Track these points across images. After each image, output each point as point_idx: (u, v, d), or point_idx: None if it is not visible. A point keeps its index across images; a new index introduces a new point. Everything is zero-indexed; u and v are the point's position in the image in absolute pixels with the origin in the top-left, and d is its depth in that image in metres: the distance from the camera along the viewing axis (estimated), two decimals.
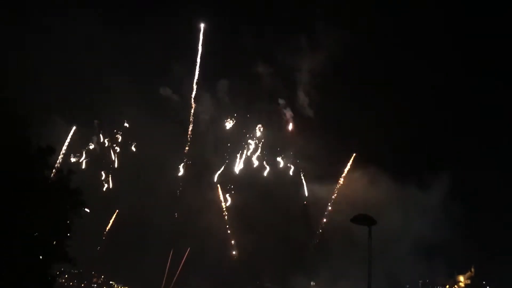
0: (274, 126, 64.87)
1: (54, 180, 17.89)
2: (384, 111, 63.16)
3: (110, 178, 66.80)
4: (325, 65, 59.42)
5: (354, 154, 63.82)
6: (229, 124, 64.36)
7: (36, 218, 18.24)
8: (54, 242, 19.07)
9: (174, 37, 61.93)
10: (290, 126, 64.84)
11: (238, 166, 64.76)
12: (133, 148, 66.59)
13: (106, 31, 55.41)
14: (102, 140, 67.07)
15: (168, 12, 60.84)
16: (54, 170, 18.42)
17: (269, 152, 63.58)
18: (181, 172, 65.34)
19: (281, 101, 64.34)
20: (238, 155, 64.56)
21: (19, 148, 16.99)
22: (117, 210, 65.44)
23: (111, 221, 66.29)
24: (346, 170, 64.12)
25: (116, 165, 67.23)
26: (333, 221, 59.88)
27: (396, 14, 56.66)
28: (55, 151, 18.11)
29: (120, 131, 65.81)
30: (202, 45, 64.61)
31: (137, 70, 60.41)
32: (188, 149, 65.45)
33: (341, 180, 63.18)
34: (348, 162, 64.23)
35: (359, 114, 60.31)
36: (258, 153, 64.20)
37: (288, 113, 64.55)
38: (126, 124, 66.03)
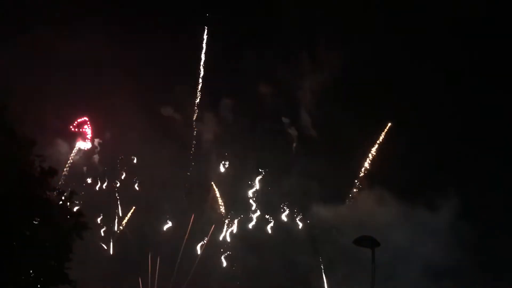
0: (278, 146, 65.06)
1: (56, 202, 18.27)
2: (390, 129, 63.34)
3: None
4: (327, 83, 59.77)
5: (362, 174, 63.85)
6: (223, 167, 64.94)
7: (36, 240, 18.59)
8: (55, 264, 19.33)
9: (175, 55, 62.73)
10: (294, 146, 65.06)
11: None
12: (136, 187, 66.80)
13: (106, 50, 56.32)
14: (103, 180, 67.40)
15: (167, 30, 61.80)
16: (56, 192, 18.80)
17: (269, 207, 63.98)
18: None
19: (285, 120, 64.62)
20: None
21: (22, 170, 17.46)
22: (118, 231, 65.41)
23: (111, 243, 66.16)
24: (354, 190, 64.22)
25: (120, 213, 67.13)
26: (339, 243, 59.48)
27: (401, 32, 57.38)
28: (57, 172, 18.54)
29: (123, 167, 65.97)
30: (203, 64, 65.45)
31: (138, 89, 60.95)
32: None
33: (348, 201, 63.08)
34: (355, 182, 64.19)
35: (364, 132, 60.41)
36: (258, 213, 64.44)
37: (293, 132, 64.93)
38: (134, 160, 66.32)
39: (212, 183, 65.60)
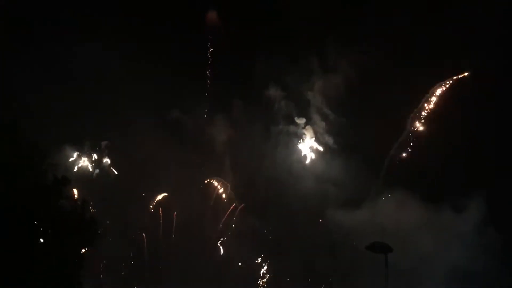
0: (293, 147, 65.84)
1: (69, 211, 19.29)
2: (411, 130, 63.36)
3: None
4: (340, 87, 60.32)
5: (381, 177, 64.01)
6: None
7: (50, 249, 19.65)
8: (69, 272, 20.32)
9: (183, 58, 64.16)
10: (308, 145, 65.64)
11: None
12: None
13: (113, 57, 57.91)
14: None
15: (174, 31, 63.27)
16: (69, 201, 19.82)
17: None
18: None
19: (300, 121, 65.27)
20: None
21: (36, 180, 18.55)
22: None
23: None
24: (375, 193, 64.40)
25: None
26: (358, 249, 59.72)
27: (412, 30, 57.43)
28: (71, 182, 19.57)
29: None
30: (210, 66, 66.69)
31: (146, 95, 62.51)
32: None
33: (367, 205, 63.20)
34: (373, 186, 64.36)
35: (382, 134, 60.53)
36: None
37: (309, 133, 65.52)
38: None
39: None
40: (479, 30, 55.03)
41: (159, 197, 68.47)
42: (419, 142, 62.83)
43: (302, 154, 66.04)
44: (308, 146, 65.91)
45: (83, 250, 20.95)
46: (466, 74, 60.78)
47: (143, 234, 67.32)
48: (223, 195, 68.87)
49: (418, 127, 63.52)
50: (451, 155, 59.31)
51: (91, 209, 20.61)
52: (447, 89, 61.98)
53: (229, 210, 67.50)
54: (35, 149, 18.46)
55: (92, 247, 19.93)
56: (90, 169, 69.09)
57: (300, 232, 64.95)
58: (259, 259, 66.29)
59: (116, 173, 69.73)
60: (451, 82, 61.39)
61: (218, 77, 67.50)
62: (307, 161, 65.99)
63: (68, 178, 19.12)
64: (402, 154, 63.21)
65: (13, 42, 56.71)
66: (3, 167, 17.47)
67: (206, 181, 69.36)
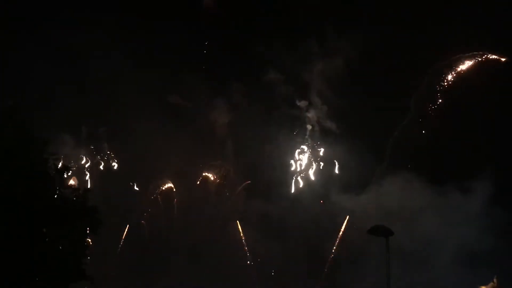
0: (296, 130, 66.26)
1: (71, 199, 19.85)
2: (415, 109, 63.60)
3: None
4: (340, 69, 60.48)
5: (386, 159, 64.40)
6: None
7: (53, 237, 20.27)
8: (72, 261, 20.95)
9: (180, 41, 64.31)
10: (309, 127, 66.00)
11: None
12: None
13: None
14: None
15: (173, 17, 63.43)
16: (70, 190, 20.36)
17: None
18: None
19: (302, 103, 65.55)
20: None
21: (37, 168, 19.06)
22: (127, 225, 68.00)
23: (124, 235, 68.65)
24: (379, 174, 64.84)
25: None
26: (362, 232, 60.36)
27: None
28: (70, 170, 20.09)
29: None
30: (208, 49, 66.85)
31: (144, 79, 62.80)
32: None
33: (372, 188, 63.74)
34: (378, 168, 64.80)
35: (385, 115, 60.78)
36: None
37: (311, 115, 65.83)
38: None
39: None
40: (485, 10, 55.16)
41: (163, 185, 69.35)
42: (424, 122, 63.19)
43: (305, 137, 66.54)
44: (310, 129, 66.38)
45: (86, 239, 21.49)
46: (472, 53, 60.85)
47: (146, 221, 68.41)
48: (225, 179, 69.74)
49: (422, 107, 63.78)
50: (456, 135, 59.78)
51: (91, 197, 21.07)
52: (451, 67, 62.06)
53: (237, 191, 68.38)
54: (35, 137, 18.95)
55: (95, 235, 20.49)
56: (85, 159, 69.76)
57: (305, 215, 65.81)
58: (264, 242, 67.27)
59: (116, 162, 70.41)
60: (456, 58, 61.43)
61: (216, 61, 67.68)
62: (309, 146, 66.54)
63: (69, 166, 19.66)
64: (406, 136, 63.58)
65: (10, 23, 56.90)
66: (3, 154, 17.96)
67: (208, 165, 70.23)
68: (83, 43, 58.20)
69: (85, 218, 19.82)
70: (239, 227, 67.01)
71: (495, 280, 51.89)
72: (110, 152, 70.35)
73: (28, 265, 19.53)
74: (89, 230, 20.84)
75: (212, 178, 70.16)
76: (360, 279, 61.30)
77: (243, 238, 66.96)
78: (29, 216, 18.34)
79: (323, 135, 65.64)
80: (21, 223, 18.63)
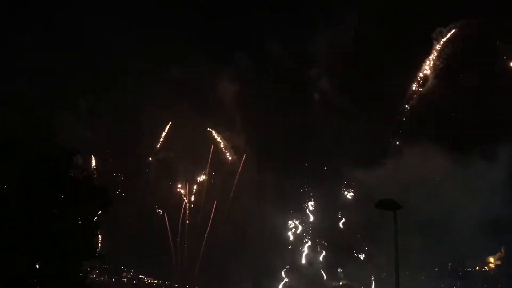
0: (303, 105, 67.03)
1: (81, 180, 21.24)
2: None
3: None
4: (348, 40, 60.82)
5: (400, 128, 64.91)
6: None
7: (65, 217, 21.75)
8: (83, 240, 22.48)
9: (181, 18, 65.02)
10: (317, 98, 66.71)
11: None
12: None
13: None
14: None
15: None
16: (80, 170, 21.73)
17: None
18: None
19: (313, 72, 66.14)
20: None
21: (46, 150, 20.43)
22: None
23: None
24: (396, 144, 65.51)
25: None
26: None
27: None
28: (79, 152, 21.44)
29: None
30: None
31: (148, 54, 63.75)
32: None
33: (389, 160, 64.58)
34: (389, 138, 65.48)
35: (397, 85, 61.16)
36: None
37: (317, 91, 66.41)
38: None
39: None
40: None
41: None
42: (441, 89, 63.36)
43: (315, 106, 67.27)
44: (320, 100, 67.03)
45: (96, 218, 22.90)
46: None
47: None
48: (235, 152, 71.15)
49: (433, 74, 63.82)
50: (478, 102, 60.01)
51: (96, 176, 22.42)
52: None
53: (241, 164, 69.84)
54: (44, 121, 20.27)
55: (105, 214, 21.92)
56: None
57: (323, 188, 67.15)
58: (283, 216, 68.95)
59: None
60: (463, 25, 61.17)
61: (218, 31, 68.12)
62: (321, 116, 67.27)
63: (77, 148, 20.98)
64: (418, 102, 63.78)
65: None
66: (15, 139, 19.32)
67: (217, 137, 71.62)
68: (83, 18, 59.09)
69: (95, 198, 21.22)
70: None
71: (502, 250, 53.30)
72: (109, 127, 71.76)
73: (40, 245, 21.02)
74: (99, 208, 22.28)
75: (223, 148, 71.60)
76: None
77: None
78: (41, 198, 19.78)
79: (333, 108, 66.28)
80: (34, 204, 20.09)
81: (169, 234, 71.06)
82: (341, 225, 69.73)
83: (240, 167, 70.09)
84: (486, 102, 60.59)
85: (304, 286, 70.78)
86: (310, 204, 69.64)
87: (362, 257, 68.97)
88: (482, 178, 59.97)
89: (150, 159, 71.60)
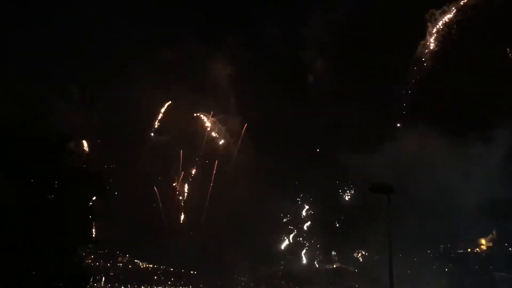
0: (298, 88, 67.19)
1: (75, 166, 21.38)
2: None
3: None
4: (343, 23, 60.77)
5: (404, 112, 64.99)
6: None
7: (60, 203, 21.90)
8: (77, 226, 22.65)
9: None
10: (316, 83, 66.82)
11: None
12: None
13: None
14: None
15: None
16: (73, 156, 21.85)
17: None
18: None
19: (309, 53, 66.17)
20: None
21: (41, 137, 20.52)
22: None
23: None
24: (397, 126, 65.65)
25: None
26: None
27: None
28: (73, 138, 21.53)
29: None
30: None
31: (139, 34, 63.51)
32: None
33: (388, 144, 64.84)
34: (389, 121, 65.66)
35: (393, 67, 61.29)
36: None
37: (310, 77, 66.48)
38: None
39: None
40: None
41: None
42: (438, 72, 63.43)
43: (312, 90, 67.36)
44: (315, 84, 67.14)
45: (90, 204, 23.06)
46: None
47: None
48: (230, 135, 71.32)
49: (431, 55, 63.85)
50: (475, 85, 60.22)
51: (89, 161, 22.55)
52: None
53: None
54: (39, 108, 20.34)
55: (102, 199, 22.10)
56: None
57: (321, 173, 67.57)
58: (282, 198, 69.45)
59: None
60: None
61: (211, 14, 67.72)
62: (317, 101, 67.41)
63: (71, 134, 21.07)
64: (414, 83, 63.84)
65: None
66: (9, 125, 19.39)
67: (213, 120, 71.74)
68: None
69: (89, 184, 21.36)
70: None
71: (494, 232, 54.08)
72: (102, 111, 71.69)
73: (36, 231, 21.19)
74: (94, 193, 22.44)
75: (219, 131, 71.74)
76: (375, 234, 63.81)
77: None
78: (35, 184, 19.90)
79: (329, 92, 66.37)
80: (28, 190, 20.21)
81: (161, 211, 71.47)
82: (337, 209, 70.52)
83: (240, 138, 70.18)
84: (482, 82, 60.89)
85: (300, 270, 71.72)
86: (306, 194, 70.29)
87: (356, 240, 69.74)
88: (475, 161, 60.53)
89: (152, 134, 71.58)
